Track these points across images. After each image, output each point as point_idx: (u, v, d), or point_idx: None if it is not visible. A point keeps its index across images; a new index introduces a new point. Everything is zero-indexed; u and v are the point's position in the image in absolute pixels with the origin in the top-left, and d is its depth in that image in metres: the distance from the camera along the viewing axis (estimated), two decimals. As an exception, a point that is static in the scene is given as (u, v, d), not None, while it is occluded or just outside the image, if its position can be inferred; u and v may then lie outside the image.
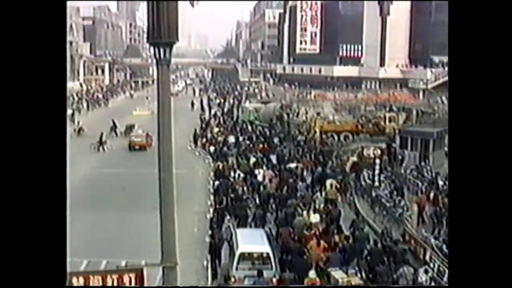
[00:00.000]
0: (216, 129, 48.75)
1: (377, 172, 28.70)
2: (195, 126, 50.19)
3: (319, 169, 31.49)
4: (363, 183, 29.55)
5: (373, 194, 27.36)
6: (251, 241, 19.23)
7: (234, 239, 19.32)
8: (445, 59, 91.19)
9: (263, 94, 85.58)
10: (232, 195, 26.25)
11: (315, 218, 22.07)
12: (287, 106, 66.55)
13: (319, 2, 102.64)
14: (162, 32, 8.21)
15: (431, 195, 26.63)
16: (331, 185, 27.20)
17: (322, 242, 19.06)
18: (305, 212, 22.95)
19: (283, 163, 33.17)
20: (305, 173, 31.53)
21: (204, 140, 44.24)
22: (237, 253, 18.19)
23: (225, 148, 39.37)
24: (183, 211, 23.67)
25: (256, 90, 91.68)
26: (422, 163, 33.55)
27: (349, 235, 20.63)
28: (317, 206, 24.42)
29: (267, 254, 18.12)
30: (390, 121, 50.77)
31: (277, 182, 28.20)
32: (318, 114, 58.57)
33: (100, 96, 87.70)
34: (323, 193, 26.65)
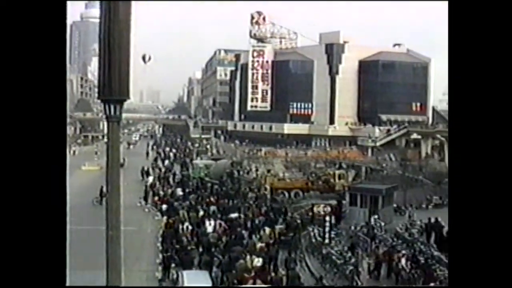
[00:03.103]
0: (166, 186, 48.33)
1: (327, 229, 28.82)
2: (149, 182, 49.84)
3: (260, 218, 33.86)
4: (313, 240, 29.57)
5: (324, 251, 27.37)
6: (196, 280, 21.74)
7: (180, 279, 21.86)
8: (392, 117, 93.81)
9: (214, 151, 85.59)
10: (178, 246, 27.73)
11: (258, 261, 24.42)
12: (237, 163, 66.59)
13: (270, 61, 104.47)
14: (113, 89, 8.14)
15: (381, 251, 26.80)
16: (265, 231, 30.07)
17: (258, 281, 21.93)
18: (248, 257, 24.94)
19: (227, 214, 34.76)
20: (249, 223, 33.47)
21: (156, 198, 43.54)
22: None
23: (175, 203, 39.12)
24: (132, 269, 23.29)
25: (207, 147, 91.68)
26: (372, 220, 33.81)
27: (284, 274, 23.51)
28: (255, 249, 27.02)
29: None
30: (339, 178, 51.30)
31: (222, 231, 30.44)
32: (269, 171, 58.76)
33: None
34: (259, 237, 29.52)
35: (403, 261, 24.77)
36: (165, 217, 34.43)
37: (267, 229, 30.42)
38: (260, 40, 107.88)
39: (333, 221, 30.97)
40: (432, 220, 32.10)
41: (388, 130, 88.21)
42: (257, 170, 61.96)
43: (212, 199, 40.44)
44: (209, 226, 31.22)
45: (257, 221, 33.10)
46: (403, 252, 26.12)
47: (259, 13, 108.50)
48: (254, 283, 21.63)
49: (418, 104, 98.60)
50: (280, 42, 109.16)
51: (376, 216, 33.71)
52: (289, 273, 23.62)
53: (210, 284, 21.47)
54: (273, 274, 23.75)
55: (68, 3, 6.86)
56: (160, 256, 27.23)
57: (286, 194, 47.61)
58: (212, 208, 36.88)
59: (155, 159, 72.53)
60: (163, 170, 61.75)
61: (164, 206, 38.54)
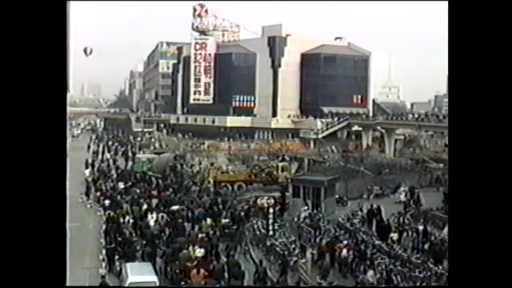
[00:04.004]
0: (108, 180, 47.67)
1: (271, 221, 29.10)
2: (86, 176, 49.19)
3: (200, 209, 34.42)
4: (257, 232, 29.79)
5: (268, 243, 27.64)
6: (140, 272, 21.71)
7: (124, 272, 21.74)
8: (334, 109, 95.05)
9: (157, 145, 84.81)
10: (120, 238, 27.68)
11: (200, 252, 24.97)
12: (180, 156, 66.24)
13: (212, 54, 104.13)
14: (53, 83, 8.05)
15: (324, 242, 27.24)
16: (206, 221, 30.71)
17: (202, 270, 22.13)
18: (191, 247, 25.32)
19: (169, 207, 34.93)
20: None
21: (98, 193, 42.71)
22: (127, 283, 20.67)
23: (118, 197, 38.76)
24: (75, 266, 22.97)
25: (150, 141, 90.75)
26: (314, 211, 34.30)
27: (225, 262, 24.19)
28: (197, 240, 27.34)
29: (154, 283, 20.83)
30: (282, 170, 51.78)
31: (164, 223, 30.88)
32: (212, 164, 58.76)
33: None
34: (199, 227, 30.23)
35: (344, 251, 25.25)
36: (107, 212, 34.07)
37: (208, 220, 30.97)
38: (203, 32, 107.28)
39: (276, 212, 31.33)
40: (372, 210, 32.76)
41: (327, 124, 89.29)
42: (200, 163, 61.87)
43: (154, 192, 40.36)
44: (151, 219, 31.41)
45: (196, 213, 33.48)
46: (345, 242, 26.66)
47: (202, 6, 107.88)
48: (198, 272, 21.97)
49: (359, 97, 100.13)
50: (223, 35, 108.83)
51: (306, 208, 34.26)
52: (229, 260, 24.30)
53: (153, 275, 21.57)
54: (215, 262, 24.25)
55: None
56: (103, 252, 26.95)
57: (230, 187, 47.79)
58: (155, 201, 36.78)
59: (95, 153, 71.66)
60: (104, 164, 60.87)
61: (107, 202, 38.02)
